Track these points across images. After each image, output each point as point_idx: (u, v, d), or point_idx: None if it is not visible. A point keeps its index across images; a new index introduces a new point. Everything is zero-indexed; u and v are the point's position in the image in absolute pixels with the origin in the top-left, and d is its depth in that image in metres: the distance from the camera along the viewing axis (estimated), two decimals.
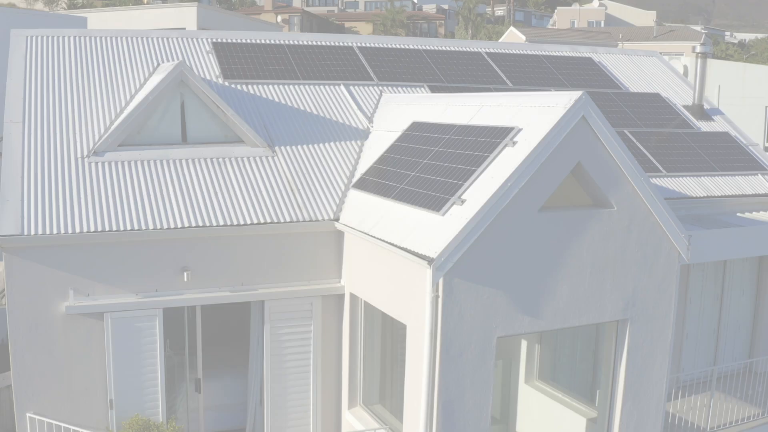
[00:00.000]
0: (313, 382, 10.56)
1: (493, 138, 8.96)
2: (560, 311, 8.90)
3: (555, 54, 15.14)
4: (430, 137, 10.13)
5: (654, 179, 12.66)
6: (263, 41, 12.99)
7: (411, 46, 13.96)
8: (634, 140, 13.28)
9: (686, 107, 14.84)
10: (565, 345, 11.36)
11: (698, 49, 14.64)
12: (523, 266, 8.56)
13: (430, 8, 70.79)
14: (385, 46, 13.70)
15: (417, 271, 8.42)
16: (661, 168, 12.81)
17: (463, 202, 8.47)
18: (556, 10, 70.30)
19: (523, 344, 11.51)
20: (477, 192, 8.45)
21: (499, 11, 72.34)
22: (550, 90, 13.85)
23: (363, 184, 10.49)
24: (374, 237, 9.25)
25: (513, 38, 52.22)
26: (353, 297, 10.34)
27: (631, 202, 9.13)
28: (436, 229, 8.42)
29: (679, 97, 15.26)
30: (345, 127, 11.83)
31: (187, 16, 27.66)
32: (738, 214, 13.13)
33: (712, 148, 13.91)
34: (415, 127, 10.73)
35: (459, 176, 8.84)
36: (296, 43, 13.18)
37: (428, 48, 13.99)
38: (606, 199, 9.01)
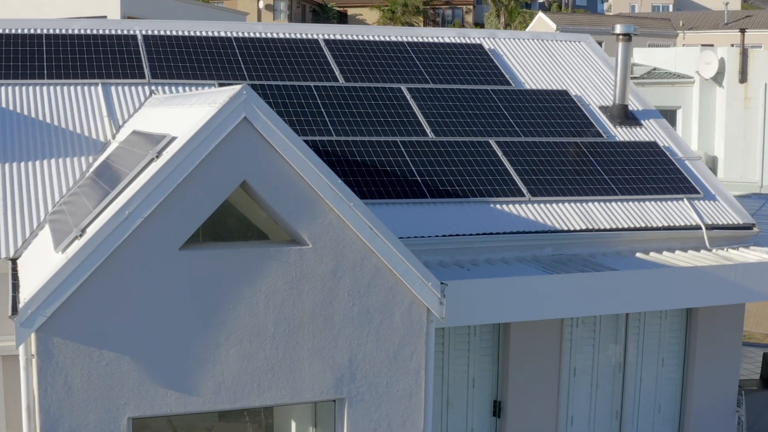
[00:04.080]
0: None
1: (146, 149, 8.44)
2: (227, 386, 8.19)
3: (430, 40, 14.35)
4: (126, 151, 9.68)
5: (510, 206, 11.69)
6: (17, 31, 12.90)
7: (219, 33, 13.55)
8: (499, 153, 12.34)
9: (603, 109, 13.73)
10: None
11: (617, 29, 13.53)
12: (163, 323, 7.94)
13: None
14: (182, 33, 13.35)
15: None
16: (524, 191, 11.82)
17: (82, 235, 7.97)
18: None
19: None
20: (98, 223, 7.93)
21: None
22: (400, 87, 13.11)
23: (54, 214, 10.12)
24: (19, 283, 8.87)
25: (541, 26, 50.89)
26: None
27: (337, 238, 8.35)
28: (44, 272, 7.94)
29: (601, 95, 14.14)
30: (81, 139, 11.53)
31: (108, 2, 28.15)
32: (638, 254, 11.95)
33: (624, 163, 12.76)
34: (130, 137, 10.31)
35: (96, 201, 8.35)
36: (63, 32, 13.02)
37: (241, 35, 13.54)
38: (295, 232, 8.28)
